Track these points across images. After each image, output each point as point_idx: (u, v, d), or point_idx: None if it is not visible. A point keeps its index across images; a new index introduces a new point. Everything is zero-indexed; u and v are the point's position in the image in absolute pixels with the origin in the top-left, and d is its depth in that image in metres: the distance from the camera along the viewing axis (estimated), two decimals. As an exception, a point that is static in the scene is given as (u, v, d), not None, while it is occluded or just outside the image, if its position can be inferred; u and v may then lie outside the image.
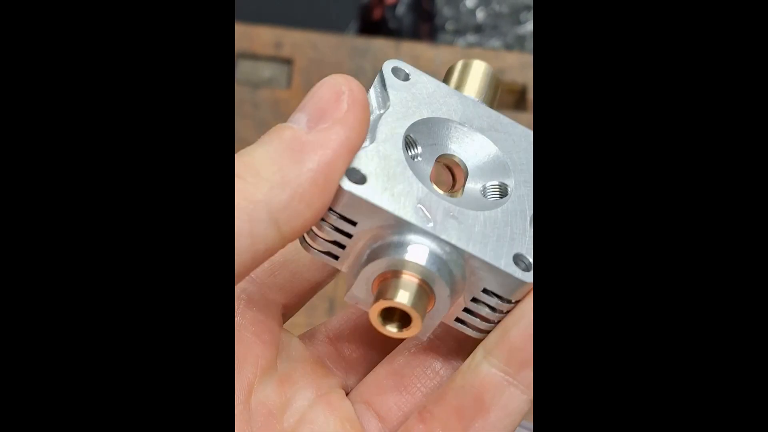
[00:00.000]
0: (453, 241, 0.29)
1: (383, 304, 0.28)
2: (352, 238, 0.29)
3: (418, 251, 0.28)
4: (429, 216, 0.29)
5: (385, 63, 0.32)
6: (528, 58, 0.76)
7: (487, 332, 0.30)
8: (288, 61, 0.74)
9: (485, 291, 0.29)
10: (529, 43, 1.02)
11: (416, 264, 0.28)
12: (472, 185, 0.32)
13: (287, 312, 0.33)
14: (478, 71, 0.33)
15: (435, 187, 0.31)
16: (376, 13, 0.99)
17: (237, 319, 0.31)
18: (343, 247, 0.29)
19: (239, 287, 0.32)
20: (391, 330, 0.29)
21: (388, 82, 0.31)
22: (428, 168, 0.31)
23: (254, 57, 0.75)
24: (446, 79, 0.33)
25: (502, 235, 0.29)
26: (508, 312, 0.30)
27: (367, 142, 0.29)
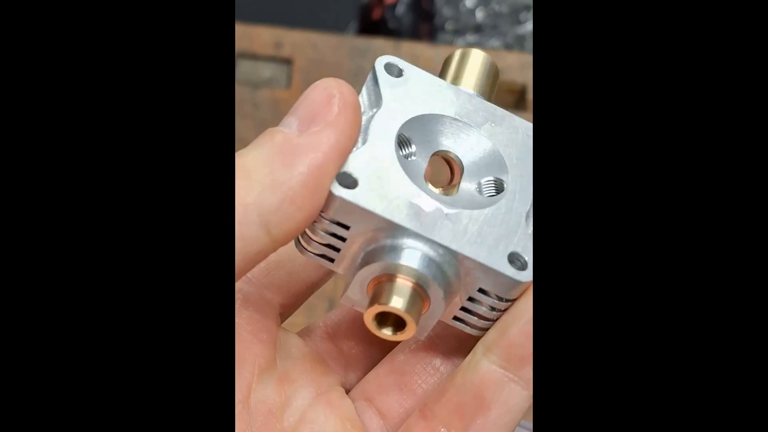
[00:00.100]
0: (445, 243, 0.28)
1: (377, 308, 0.28)
2: (346, 242, 0.29)
3: (411, 254, 0.28)
4: (421, 218, 0.29)
5: (378, 60, 0.31)
6: (527, 58, 0.76)
7: (486, 330, 0.30)
8: (288, 61, 0.74)
9: (481, 290, 0.29)
10: (529, 43, 1.03)
11: (409, 267, 0.28)
12: (468, 181, 0.31)
13: (285, 311, 0.33)
14: (476, 61, 0.33)
15: (430, 186, 0.30)
16: (376, 13, 0.99)
17: None
18: (337, 250, 0.29)
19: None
20: (386, 333, 0.29)
21: (380, 80, 0.31)
22: (423, 166, 0.31)
23: (254, 57, 0.75)
24: (444, 69, 0.33)
25: (496, 233, 0.29)
26: (506, 310, 0.30)
27: (359, 143, 0.29)
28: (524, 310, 0.29)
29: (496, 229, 0.29)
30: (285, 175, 0.27)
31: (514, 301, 0.29)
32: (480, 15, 1.05)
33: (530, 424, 0.49)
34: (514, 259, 0.29)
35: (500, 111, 0.32)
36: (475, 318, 0.30)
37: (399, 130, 0.30)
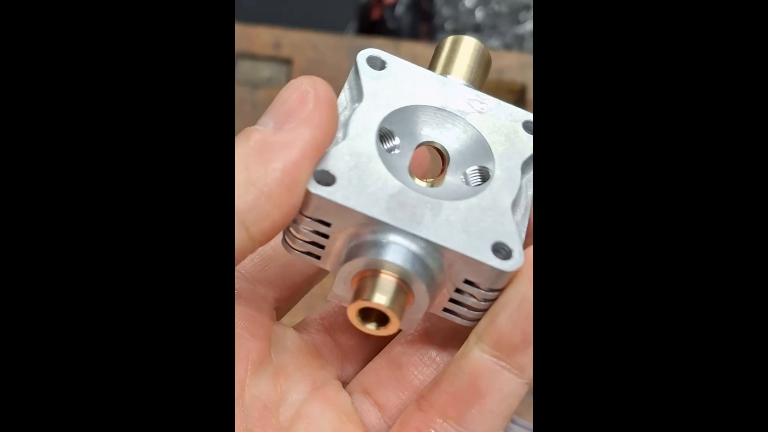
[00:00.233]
0: (426, 236, 0.28)
1: (360, 304, 0.28)
2: (329, 238, 0.29)
3: (392, 249, 0.28)
4: (402, 211, 0.28)
5: (360, 53, 0.31)
6: (527, 58, 0.76)
7: (478, 320, 0.30)
8: (287, 61, 0.74)
9: (468, 281, 0.29)
10: (528, 43, 1.03)
11: (391, 263, 0.28)
12: (454, 171, 0.31)
13: (282, 306, 0.33)
14: (467, 48, 0.32)
15: (416, 179, 0.30)
16: (375, 13, 0.99)
17: None
18: (322, 247, 0.29)
19: None
20: (370, 328, 0.29)
21: (362, 73, 0.31)
22: (406, 159, 0.30)
23: (253, 57, 0.75)
24: (435, 57, 0.33)
25: (481, 223, 0.29)
26: (495, 299, 0.29)
27: (339, 139, 0.29)
28: (511, 298, 0.29)
29: (480, 218, 0.29)
30: (260, 172, 0.27)
31: (501, 291, 0.29)
32: (479, 15, 1.06)
33: (530, 424, 0.49)
34: (499, 248, 0.28)
35: (489, 98, 0.32)
36: (465, 309, 0.30)
37: (380, 124, 0.30)
